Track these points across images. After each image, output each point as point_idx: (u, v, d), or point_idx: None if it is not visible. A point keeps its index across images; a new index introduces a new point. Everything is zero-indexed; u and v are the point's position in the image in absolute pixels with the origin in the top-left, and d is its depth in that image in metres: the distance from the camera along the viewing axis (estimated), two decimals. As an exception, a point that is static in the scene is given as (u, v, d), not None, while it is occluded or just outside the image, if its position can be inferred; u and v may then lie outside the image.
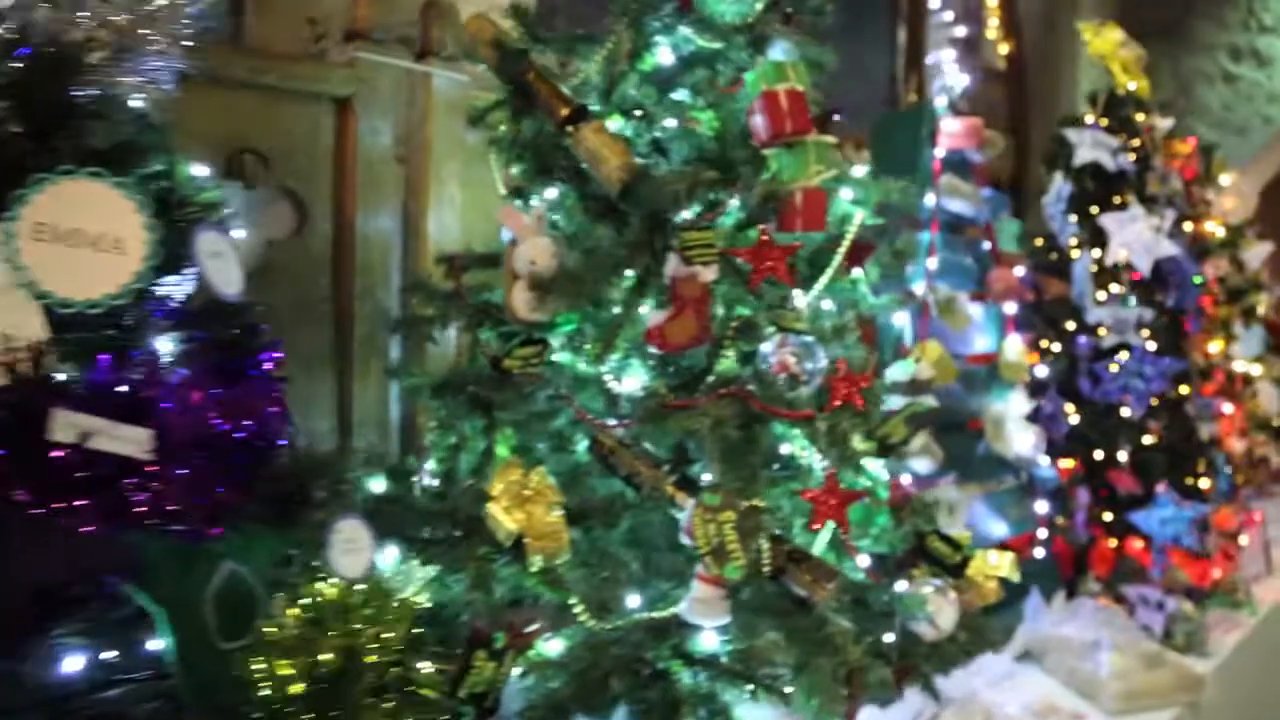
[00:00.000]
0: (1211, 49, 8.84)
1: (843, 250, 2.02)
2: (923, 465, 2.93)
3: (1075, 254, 3.82)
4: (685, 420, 1.58)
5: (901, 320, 3.00)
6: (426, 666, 1.40)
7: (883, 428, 1.99)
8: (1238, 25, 8.67)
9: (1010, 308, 3.38)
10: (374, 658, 1.29)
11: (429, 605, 1.66)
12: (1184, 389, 3.85)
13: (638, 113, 1.97)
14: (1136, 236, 3.70)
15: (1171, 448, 3.74)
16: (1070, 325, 3.83)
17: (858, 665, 1.73)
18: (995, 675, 3.38)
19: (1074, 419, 3.72)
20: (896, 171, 3.31)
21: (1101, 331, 3.74)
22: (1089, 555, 3.77)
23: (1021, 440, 3.35)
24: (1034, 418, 3.76)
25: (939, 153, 3.11)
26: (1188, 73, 8.96)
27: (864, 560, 2.01)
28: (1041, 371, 3.63)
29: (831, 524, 1.81)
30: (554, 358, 1.88)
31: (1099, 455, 3.72)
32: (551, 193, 1.96)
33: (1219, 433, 4.30)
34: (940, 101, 3.16)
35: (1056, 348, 3.82)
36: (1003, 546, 3.78)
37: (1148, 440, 3.70)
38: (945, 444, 3.19)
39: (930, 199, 3.09)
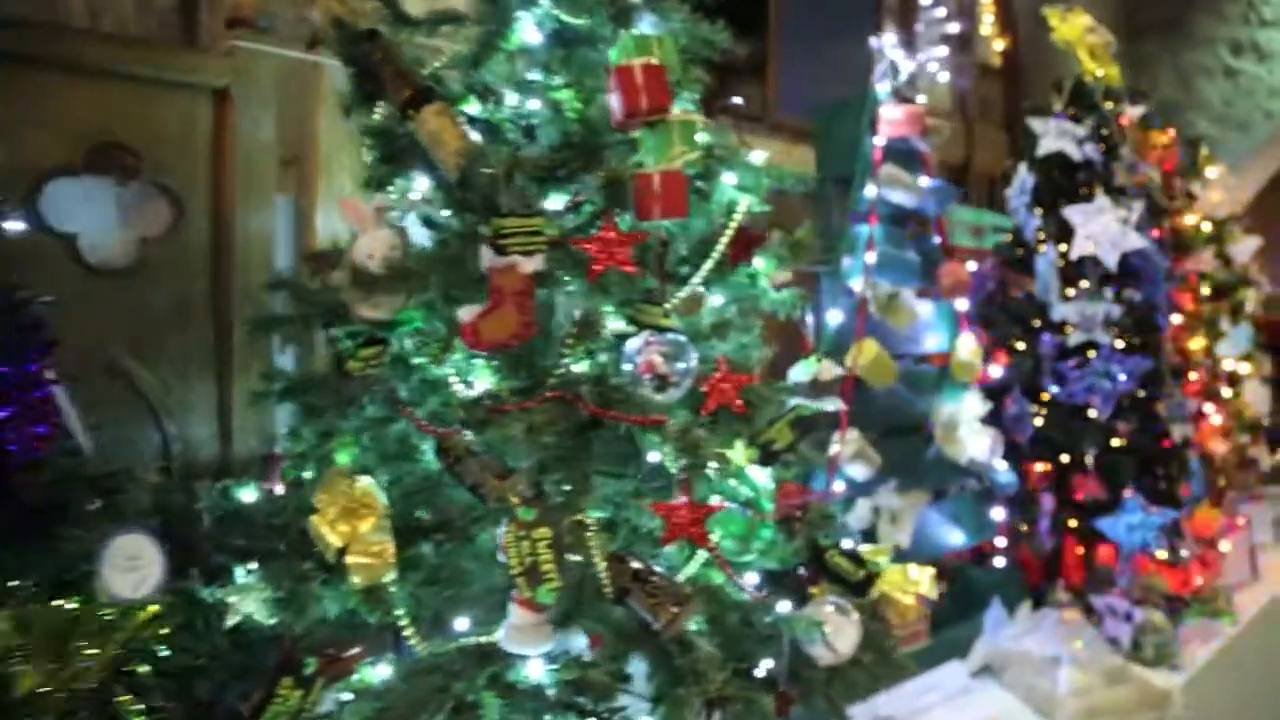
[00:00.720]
0: (1212, 43, 8.54)
1: (726, 240, 1.83)
2: (858, 471, 2.72)
3: (1042, 249, 3.59)
4: (504, 426, 1.39)
5: (836, 318, 2.79)
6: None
7: (766, 433, 1.79)
8: (1238, 19, 8.36)
9: (962, 304, 3.16)
10: (74, 682, 1.11)
11: (244, 626, 1.49)
12: (1162, 388, 3.61)
13: (511, 95, 1.79)
14: (1103, 229, 3.47)
15: (1141, 451, 3.50)
16: (1036, 323, 3.60)
17: (723, 695, 1.53)
18: (950, 691, 3.15)
19: (1039, 421, 3.49)
20: (839, 163, 3.13)
21: (1068, 329, 3.50)
22: (1056, 564, 3.54)
23: (976, 444, 3.13)
24: (995, 420, 3.54)
25: (879, 141, 2.90)
26: (1188, 67, 8.67)
27: (753, 578, 1.81)
28: (996, 371, 3.40)
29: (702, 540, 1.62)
30: (414, 361, 1.70)
31: (1065, 459, 3.48)
32: (424, 183, 1.79)
33: (1195, 434, 4.04)
34: (883, 88, 2.95)
35: (1023, 346, 3.60)
36: (966, 554, 3.58)
37: (1116, 443, 3.46)
38: (890, 449, 2.98)
39: (870, 190, 2.88)
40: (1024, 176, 3.60)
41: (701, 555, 1.70)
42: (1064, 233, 3.55)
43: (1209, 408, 4.29)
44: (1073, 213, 3.50)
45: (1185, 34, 8.85)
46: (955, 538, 3.22)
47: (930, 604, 3.45)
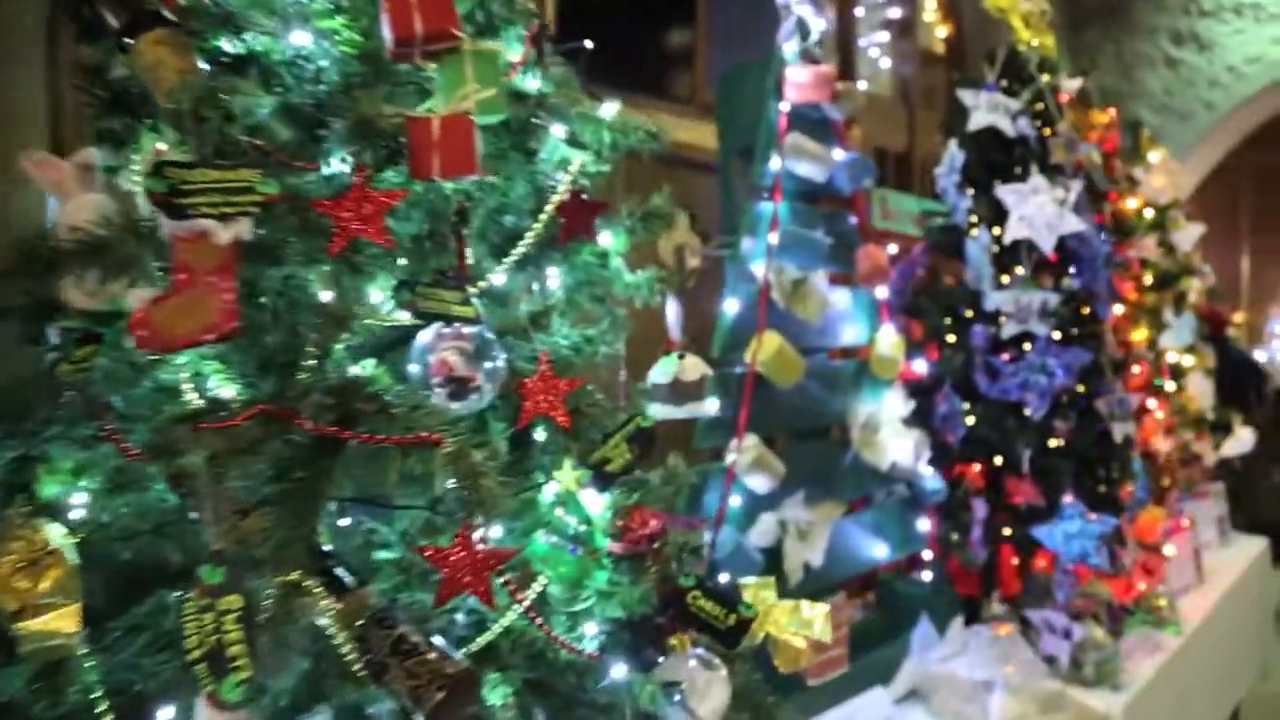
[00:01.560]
0: (1153, 32, 8.33)
1: (551, 208, 1.44)
2: (759, 482, 2.34)
3: (974, 232, 3.24)
4: (206, 448, 1.00)
5: (733, 307, 2.41)
6: None
7: (599, 451, 1.41)
8: (1178, 9, 8.16)
9: (882, 292, 2.80)
10: None
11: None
12: (1103, 383, 3.27)
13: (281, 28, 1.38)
14: (1038, 210, 3.13)
15: (1080, 451, 3.16)
16: (970, 313, 3.25)
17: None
18: (873, 719, 2.81)
19: (971, 420, 3.15)
20: (742, 132, 2.75)
21: (1002, 320, 3.15)
22: (991, 576, 3.20)
23: (898, 447, 2.77)
24: (924, 420, 3.19)
25: (784, 107, 2.53)
26: (1130, 56, 8.45)
27: (592, 629, 1.43)
28: (922, 367, 3.06)
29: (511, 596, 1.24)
30: (140, 361, 1.30)
31: (999, 461, 3.14)
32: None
33: (1139, 432, 3.73)
34: (789, 48, 2.57)
35: (954, 339, 3.25)
36: (894, 566, 3.23)
37: (1054, 443, 3.13)
38: (800, 455, 2.62)
39: (775, 162, 2.51)
40: (953, 153, 3.25)
41: (523, 604, 1.31)
42: (997, 215, 3.20)
43: (1152, 403, 3.98)
44: (1005, 193, 3.15)
45: (1127, 22, 8.63)
46: (878, 551, 2.86)
47: (852, 624, 3.12)
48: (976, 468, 3.14)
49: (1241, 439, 4.78)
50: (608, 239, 1.62)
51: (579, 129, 1.46)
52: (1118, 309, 4.03)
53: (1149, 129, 7.57)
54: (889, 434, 2.77)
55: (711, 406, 1.84)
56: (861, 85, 5.75)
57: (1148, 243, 4.52)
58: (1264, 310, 9.37)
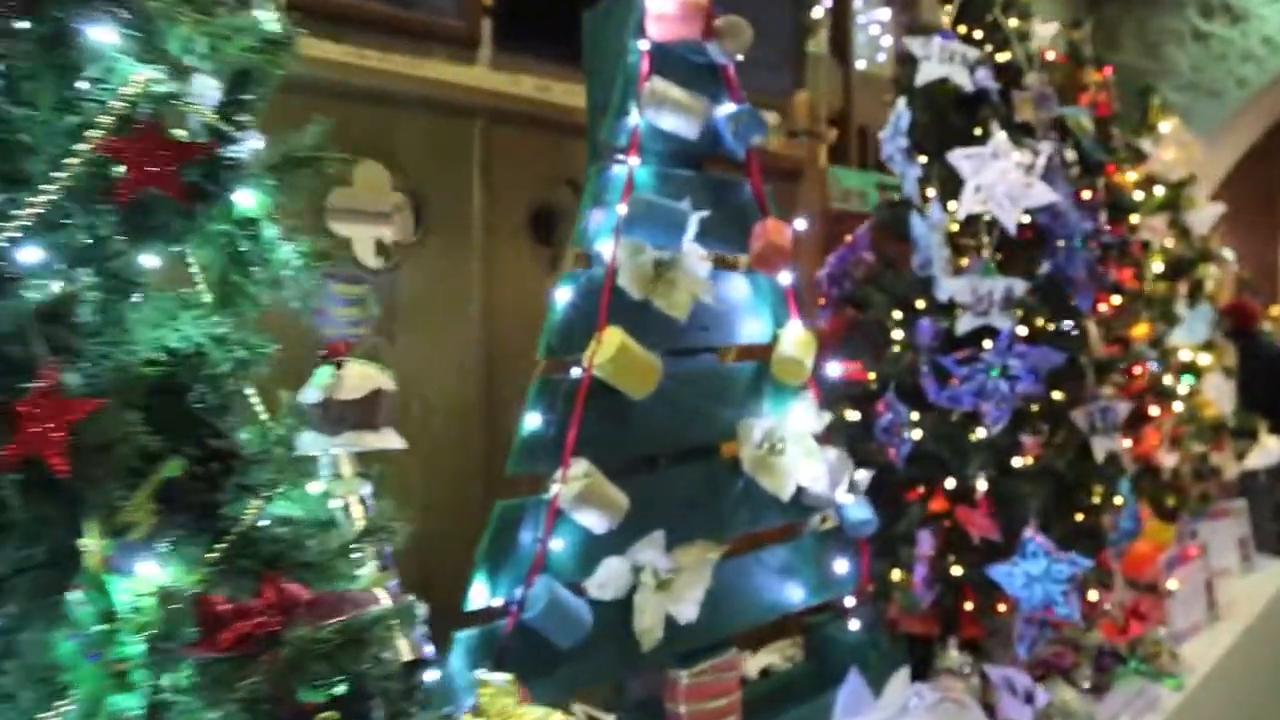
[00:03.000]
0: (1180, 6, 7.53)
1: (89, 148, 0.88)
2: (592, 520, 1.76)
3: (926, 207, 2.61)
4: None
5: (564, 296, 1.82)
6: None
7: (123, 511, 0.85)
8: (1209, -22, 7.38)
9: (786, 278, 2.19)
10: None
11: None
12: (1082, 389, 2.63)
13: None
14: (998, 178, 2.49)
15: (1052, 472, 2.52)
16: (921, 304, 2.62)
17: None
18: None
19: (918, 434, 2.52)
20: (606, 79, 2.17)
21: (958, 313, 2.52)
22: (946, 622, 2.57)
23: (807, 470, 2.17)
24: (865, 433, 2.58)
25: (643, 46, 1.93)
26: (1154, 32, 7.66)
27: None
28: (834, 368, 2.44)
29: None
30: None
31: (950, 484, 2.51)
32: None
33: (1135, 445, 3.07)
34: (658, -26, 1.97)
35: (901, 335, 2.62)
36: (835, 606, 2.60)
37: (1018, 463, 2.49)
38: (670, 482, 2.03)
39: (633, 115, 1.91)
40: (900, 113, 2.62)
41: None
42: (953, 186, 2.57)
43: (1155, 410, 3.30)
44: (958, 158, 2.52)
45: (1152, -4, 7.86)
46: (792, 595, 2.26)
47: (774, 675, 2.52)
48: (923, 491, 2.51)
49: (1269, 449, 4.06)
50: (248, 199, 1.06)
51: (165, 35, 0.90)
52: (1116, 299, 3.37)
53: (1175, 109, 6.82)
54: (796, 454, 2.16)
55: (389, 439, 1.26)
56: (860, 65, 5.10)
57: (1156, 224, 3.82)
58: (1302, 303, 8.48)
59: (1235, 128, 7.53)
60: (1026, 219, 2.56)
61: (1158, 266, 3.90)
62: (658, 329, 1.93)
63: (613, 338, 1.79)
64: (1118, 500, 2.60)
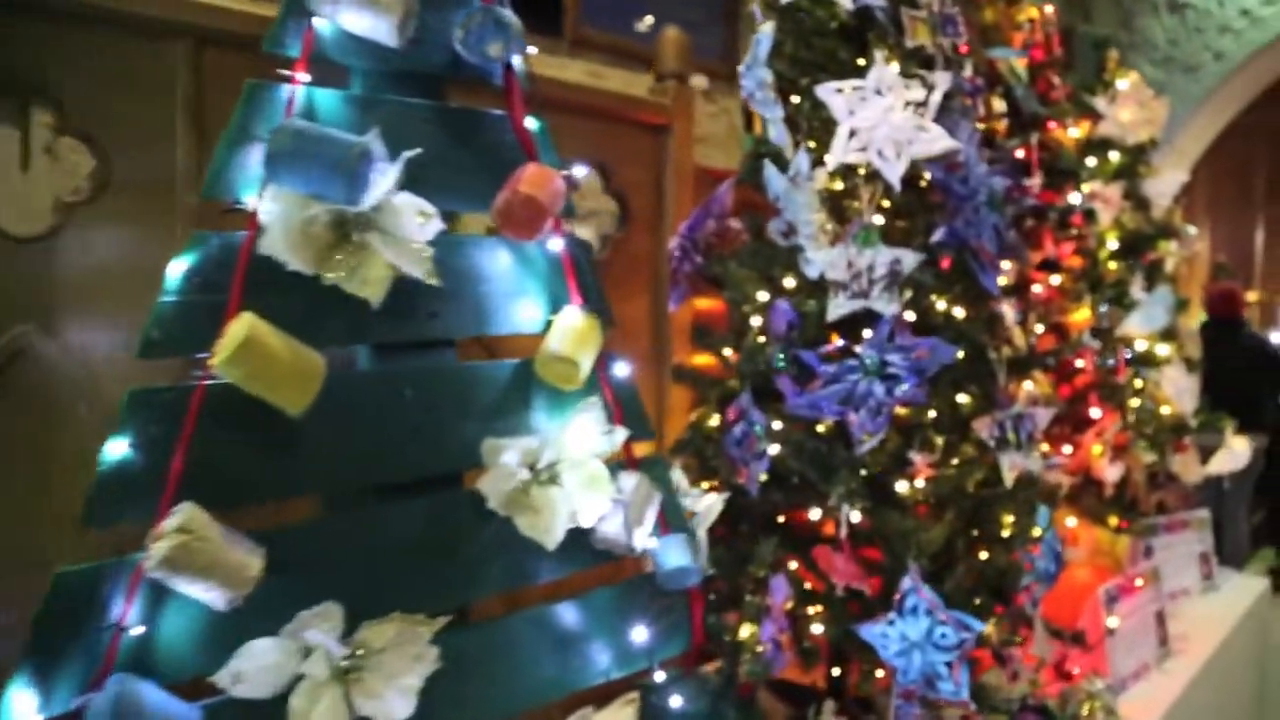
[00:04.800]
0: (1155, -26, 6.85)
1: None
2: (198, 591, 1.12)
3: (790, 156, 1.95)
4: None
5: (178, 271, 1.17)
6: None
7: None
8: (1184, -55, 6.69)
9: (555, 246, 1.54)
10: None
11: None
12: (991, 393, 1.97)
13: None
14: (881, 119, 1.83)
15: (945, 500, 1.87)
16: (791, 283, 1.97)
17: None
18: None
19: (775, 449, 1.87)
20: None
21: (831, 293, 1.86)
22: (829, 687, 1.94)
23: (591, 504, 1.52)
24: (714, 445, 1.96)
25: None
26: (1129, 2, 6.98)
27: None
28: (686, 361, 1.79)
29: None
30: None
31: (818, 515, 1.86)
32: None
33: (1069, 460, 2.42)
34: None
35: (759, 322, 1.97)
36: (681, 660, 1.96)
37: (902, 488, 1.84)
38: (380, 525, 1.39)
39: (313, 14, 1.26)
40: (762, 37, 1.95)
41: None
42: (828, 130, 1.91)
43: (1096, 412, 2.65)
44: (829, 93, 1.86)
45: (1125, -37, 7.17)
46: (585, 668, 1.62)
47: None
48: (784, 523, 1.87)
49: (1236, 452, 3.41)
50: None
51: None
52: (1055, 279, 2.72)
53: (1152, 87, 6.15)
54: (574, 483, 1.52)
55: None
56: None
57: (1110, 193, 3.16)
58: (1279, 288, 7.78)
59: (1212, 104, 6.83)
60: (928, 174, 1.91)
61: (1112, 243, 3.25)
62: (341, 316, 1.28)
63: (238, 327, 1.14)
64: (1035, 532, 1.95)
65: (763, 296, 2.02)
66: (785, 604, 1.81)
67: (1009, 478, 1.87)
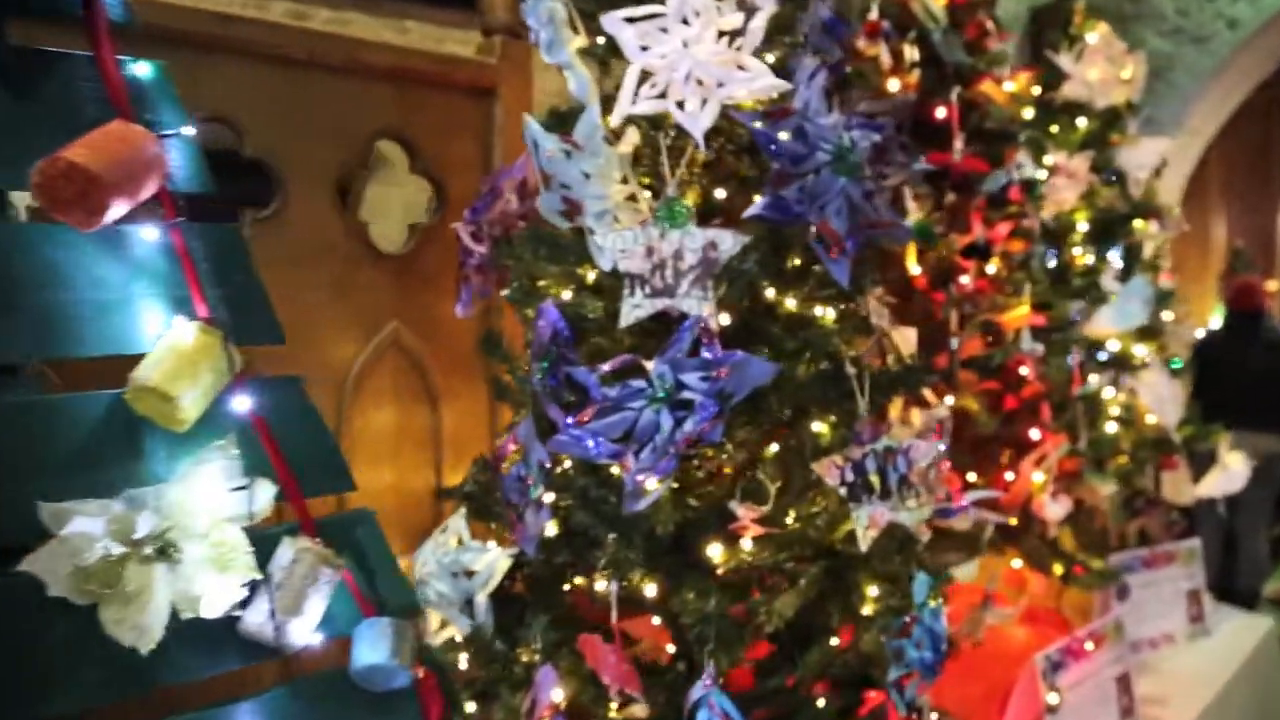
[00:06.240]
0: (1162, -64, 6.17)
1: None
2: None
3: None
4: None
5: None
6: None
7: None
8: (1194, -97, 6.00)
9: (151, 235, 1.05)
10: None
11: None
12: (860, 423, 1.43)
13: None
14: (679, 58, 1.32)
15: (764, 570, 1.34)
16: (588, 276, 1.46)
17: None
18: None
19: (550, 496, 1.37)
20: None
21: (625, 288, 1.35)
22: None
23: (218, 589, 1.04)
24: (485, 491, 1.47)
25: None
26: (1135, -32, 6.30)
27: None
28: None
29: None
30: None
31: (601, 586, 1.35)
32: None
33: (1014, 487, 1.87)
34: None
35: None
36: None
37: (716, 553, 1.32)
38: None
39: None
40: (545, -40, 1.44)
41: None
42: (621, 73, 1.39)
43: (1036, 434, 2.09)
44: (617, 25, 1.34)
45: (1131, -75, 6.46)
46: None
47: None
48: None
49: (1232, 471, 2.81)
50: None
51: None
52: (992, 267, 2.17)
53: (1160, 59, 5.52)
54: (194, 560, 1.03)
55: None
56: None
57: (1075, 166, 2.58)
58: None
59: (1226, 78, 6.10)
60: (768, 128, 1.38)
61: (1082, 224, 2.68)
62: None
63: None
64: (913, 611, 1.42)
65: (566, 295, 1.52)
66: (559, 703, 1.31)
67: (865, 536, 1.34)
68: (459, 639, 1.54)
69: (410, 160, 1.93)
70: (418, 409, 1.91)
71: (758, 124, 1.31)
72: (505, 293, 1.55)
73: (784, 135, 1.32)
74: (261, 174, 1.75)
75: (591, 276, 1.47)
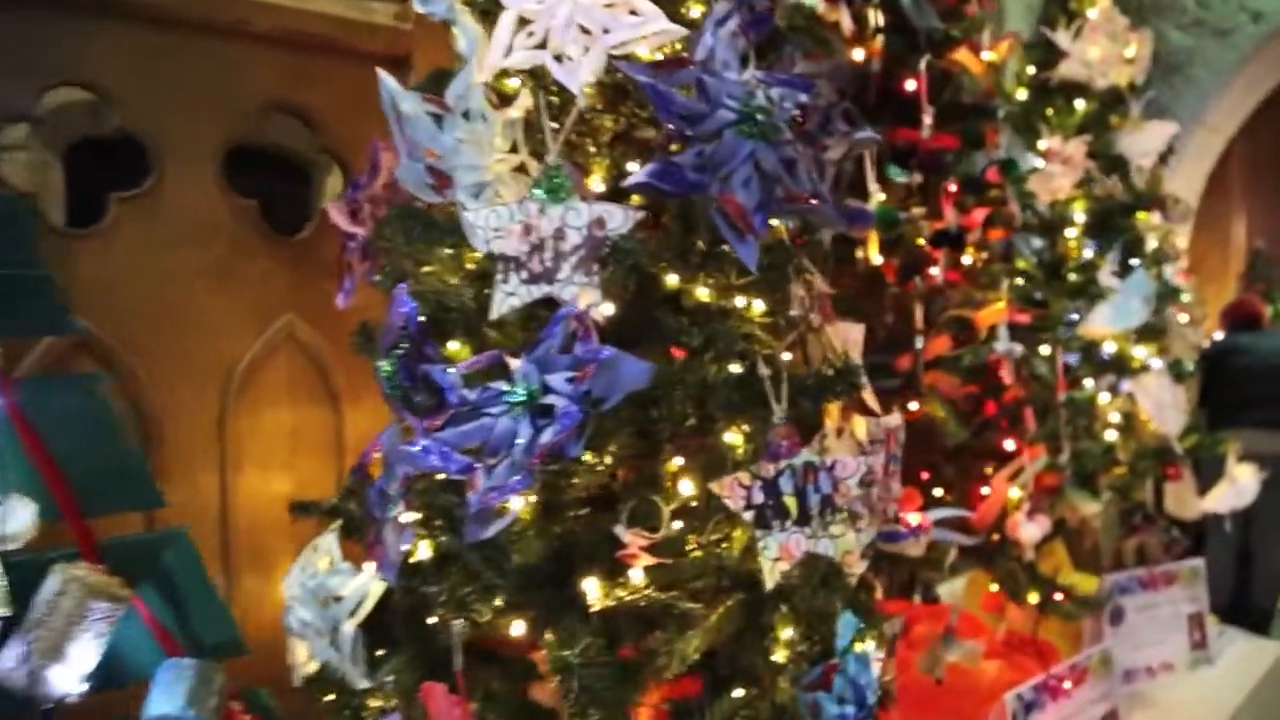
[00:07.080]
0: (1183, -74, 5.84)
1: None
2: None
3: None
4: None
5: None
6: None
7: None
8: (1216, -107, 5.66)
9: None
10: None
11: None
12: (776, 439, 1.20)
13: None
14: (557, 1, 1.09)
15: (676, 608, 1.12)
16: (469, 262, 1.24)
17: None
18: None
19: (409, 516, 1.15)
20: None
21: (498, 272, 1.14)
22: None
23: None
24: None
25: None
26: (1154, -41, 5.98)
27: None
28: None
29: None
30: None
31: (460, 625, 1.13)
32: None
33: (984, 508, 1.63)
34: None
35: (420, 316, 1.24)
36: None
37: (594, 589, 1.09)
38: None
39: None
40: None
41: None
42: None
43: (1011, 444, 1.84)
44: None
45: (1150, -81, 6.12)
46: None
47: None
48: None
49: (1241, 484, 2.53)
50: None
51: None
52: (968, 258, 1.92)
53: (1181, 54, 5.22)
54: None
55: None
56: None
57: (1072, 151, 2.33)
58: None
59: (1249, 72, 5.75)
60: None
61: (1078, 215, 2.42)
62: None
63: None
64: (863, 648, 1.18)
65: (454, 282, 1.30)
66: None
67: (771, 570, 1.10)
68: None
69: (311, 136, 1.72)
70: (316, 410, 1.70)
71: (644, 77, 1.08)
72: (377, 278, 1.33)
73: (678, 90, 1.09)
74: (134, 147, 1.55)
75: (469, 262, 1.25)
